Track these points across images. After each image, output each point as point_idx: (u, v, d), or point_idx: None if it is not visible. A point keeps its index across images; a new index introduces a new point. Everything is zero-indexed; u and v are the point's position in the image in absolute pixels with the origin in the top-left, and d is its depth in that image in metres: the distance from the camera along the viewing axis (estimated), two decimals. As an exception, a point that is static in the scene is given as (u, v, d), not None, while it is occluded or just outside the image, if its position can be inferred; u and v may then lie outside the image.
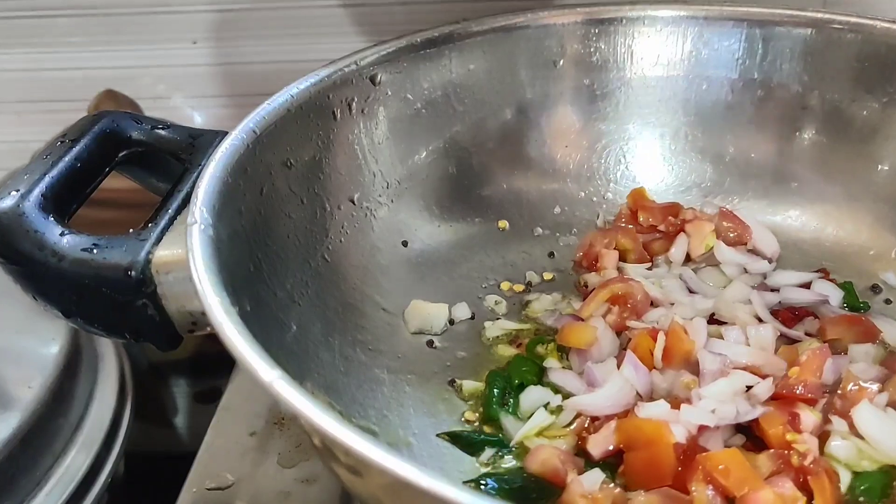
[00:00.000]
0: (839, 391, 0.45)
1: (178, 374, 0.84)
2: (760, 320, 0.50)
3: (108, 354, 0.66)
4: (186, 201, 0.42)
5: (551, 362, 0.49)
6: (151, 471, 0.66)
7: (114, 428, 0.61)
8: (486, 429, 0.46)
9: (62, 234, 0.38)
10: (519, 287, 0.57)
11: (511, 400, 0.47)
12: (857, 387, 0.45)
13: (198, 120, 0.81)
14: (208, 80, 0.78)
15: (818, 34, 0.55)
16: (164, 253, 0.38)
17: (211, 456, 0.54)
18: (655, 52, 0.60)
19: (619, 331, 0.50)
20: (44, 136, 0.72)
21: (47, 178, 0.40)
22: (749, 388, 0.45)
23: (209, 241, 0.36)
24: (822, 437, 0.43)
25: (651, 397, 0.46)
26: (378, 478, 0.28)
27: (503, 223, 0.60)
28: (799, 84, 0.57)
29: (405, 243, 0.56)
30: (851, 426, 0.43)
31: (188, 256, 0.35)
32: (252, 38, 0.76)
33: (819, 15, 0.55)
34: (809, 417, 0.43)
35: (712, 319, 0.51)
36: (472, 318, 0.54)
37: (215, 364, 0.81)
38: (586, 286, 0.55)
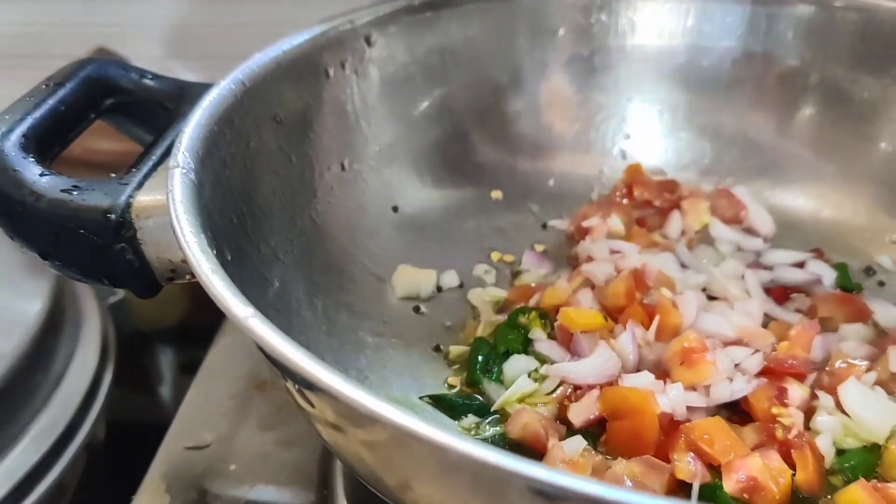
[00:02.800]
0: (827, 367, 0.45)
1: (164, 343, 0.83)
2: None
3: (91, 317, 0.65)
4: (171, 149, 0.41)
5: (537, 333, 0.48)
6: (133, 438, 0.65)
7: (93, 388, 0.60)
8: (467, 391, 0.46)
9: (42, 175, 0.37)
10: (509, 257, 0.56)
11: (495, 367, 0.46)
12: (845, 364, 0.44)
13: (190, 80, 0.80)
14: (202, 41, 0.77)
15: (821, 12, 0.55)
16: (145, 198, 0.37)
17: (190, 416, 0.53)
18: (657, 25, 0.59)
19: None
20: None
21: (29, 119, 0.39)
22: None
23: (190, 185, 0.36)
24: (808, 412, 0.43)
25: (636, 369, 0.45)
26: (360, 423, 0.27)
27: (496, 193, 0.59)
28: (800, 62, 0.56)
29: (395, 209, 0.55)
30: (838, 403, 0.43)
31: (168, 199, 0.34)
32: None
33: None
34: (797, 392, 0.42)
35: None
36: (461, 286, 0.54)
37: (201, 335, 0.80)
38: (577, 259, 0.55)
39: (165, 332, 0.82)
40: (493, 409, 0.44)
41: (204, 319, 0.74)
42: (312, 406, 0.30)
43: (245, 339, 0.58)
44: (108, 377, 0.62)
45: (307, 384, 0.27)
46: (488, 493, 0.25)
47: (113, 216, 0.36)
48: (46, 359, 0.58)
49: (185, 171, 0.36)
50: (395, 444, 0.26)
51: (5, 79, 0.79)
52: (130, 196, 0.37)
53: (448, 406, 0.44)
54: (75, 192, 0.37)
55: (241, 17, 0.76)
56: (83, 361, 0.61)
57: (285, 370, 0.28)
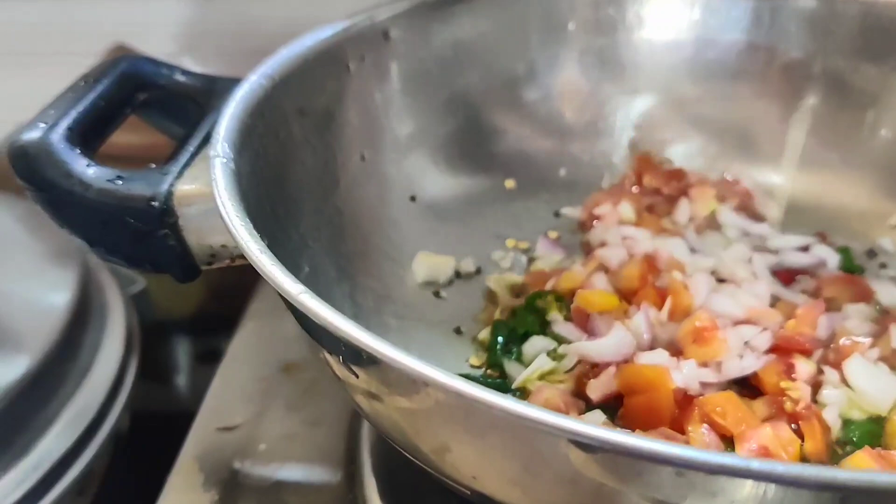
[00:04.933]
0: (832, 345, 0.47)
1: (181, 333, 0.85)
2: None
3: (116, 307, 0.66)
4: (206, 141, 0.43)
5: (554, 315, 0.50)
6: (153, 427, 0.67)
7: (119, 378, 0.62)
8: (490, 373, 0.48)
9: (88, 166, 0.39)
10: (524, 244, 0.58)
11: (514, 348, 0.49)
12: (849, 341, 0.46)
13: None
14: (214, 37, 0.78)
15: (823, 5, 0.57)
16: (185, 187, 0.39)
17: (219, 398, 0.55)
18: (664, 18, 0.61)
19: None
20: (52, 88, 0.73)
21: (73, 113, 0.41)
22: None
23: (231, 174, 0.37)
24: (815, 386, 0.45)
25: (651, 347, 0.47)
26: (406, 390, 0.29)
27: (510, 182, 0.61)
28: (803, 53, 0.58)
29: (413, 198, 0.57)
30: (843, 377, 0.45)
31: (212, 187, 0.36)
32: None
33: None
34: (804, 367, 0.44)
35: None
36: (478, 272, 0.56)
37: (218, 324, 0.82)
38: (590, 245, 0.57)
39: (182, 321, 0.84)
40: (513, 386, 0.46)
41: (220, 308, 0.75)
42: (356, 377, 0.32)
43: (270, 324, 0.60)
44: (133, 367, 0.64)
45: (355, 353, 0.29)
46: (527, 449, 0.27)
47: (156, 204, 0.38)
48: (75, 349, 0.60)
49: (225, 160, 0.38)
50: (441, 409, 0.28)
51: (24, 75, 0.82)
52: (172, 185, 0.39)
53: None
54: (120, 182, 0.39)
55: (252, 14, 0.78)
56: (109, 351, 0.62)
57: (333, 342, 0.30)
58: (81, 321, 0.61)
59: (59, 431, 0.55)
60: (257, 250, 0.32)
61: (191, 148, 0.42)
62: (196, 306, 0.83)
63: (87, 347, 0.61)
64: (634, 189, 0.61)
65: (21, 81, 0.81)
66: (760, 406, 0.43)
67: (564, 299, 0.51)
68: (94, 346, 0.62)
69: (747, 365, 0.44)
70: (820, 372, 0.45)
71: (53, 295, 0.61)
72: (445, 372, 0.26)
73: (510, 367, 0.47)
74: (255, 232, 0.33)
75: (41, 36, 0.78)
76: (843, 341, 0.46)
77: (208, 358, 0.84)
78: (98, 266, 0.68)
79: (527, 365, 0.47)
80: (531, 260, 0.57)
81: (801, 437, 0.41)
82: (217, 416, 0.54)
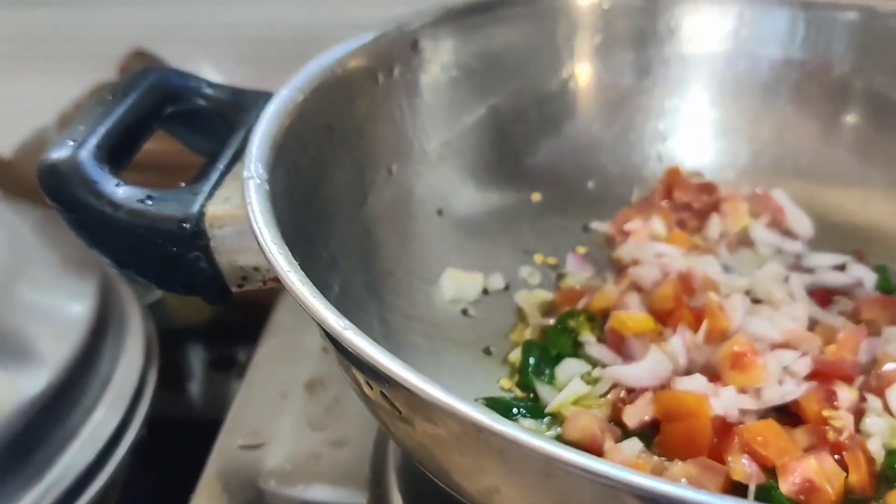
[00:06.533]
0: (874, 371, 0.46)
1: (195, 340, 0.84)
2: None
3: (134, 317, 0.66)
4: (235, 158, 0.42)
5: (587, 336, 0.49)
6: (168, 437, 0.67)
7: (140, 389, 0.61)
8: (521, 394, 0.47)
9: (117, 185, 0.38)
10: (552, 260, 0.57)
11: (547, 370, 0.48)
12: (893, 366, 0.45)
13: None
14: (238, 43, 0.78)
15: (867, 19, 0.55)
16: (216, 207, 0.38)
17: (242, 415, 0.54)
18: (695, 29, 0.60)
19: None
20: (68, 94, 0.73)
21: (101, 130, 0.40)
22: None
23: (265, 196, 0.37)
24: (857, 414, 0.44)
25: (687, 371, 0.46)
26: (450, 426, 0.28)
27: (536, 195, 0.60)
28: (841, 68, 0.57)
29: (440, 212, 0.56)
30: (886, 405, 0.44)
31: (244, 209, 0.36)
32: (285, 1, 0.75)
33: (868, 1, 0.55)
34: (846, 394, 0.43)
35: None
36: (506, 288, 0.55)
37: (232, 331, 0.81)
38: (620, 262, 0.55)
39: (197, 328, 0.83)
40: (547, 410, 0.45)
41: (235, 316, 0.75)
42: (400, 413, 0.31)
43: (292, 338, 0.60)
44: (152, 377, 0.63)
45: (401, 392, 0.28)
46: (578, 494, 0.26)
47: (188, 225, 0.37)
48: (95, 361, 0.59)
49: (258, 182, 0.37)
50: (488, 451, 0.27)
51: (42, 82, 0.81)
52: (203, 206, 0.38)
53: (505, 408, 0.45)
54: (150, 203, 0.38)
55: (272, 20, 0.77)
56: (129, 362, 0.61)
57: (382, 380, 0.29)
58: (101, 332, 0.60)
59: (80, 445, 0.54)
60: (298, 282, 0.31)
61: (220, 166, 0.41)
62: (211, 313, 0.83)
63: (106, 359, 0.60)
64: (664, 203, 0.60)
65: (41, 86, 0.81)
66: (801, 435, 0.42)
67: (596, 319, 0.50)
68: (114, 357, 0.61)
69: (788, 392, 0.43)
70: (862, 399, 0.44)
71: (73, 305, 0.60)
72: (504, 421, 0.25)
73: (542, 389, 0.46)
74: (293, 260, 0.32)
75: (61, 41, 0.78)
76: (886, 367, 0.45)
77: (222, 365, 0.83)
78: (116, 275, 0.67)
79: (559, 388, 0.46)
80: (560, 276, 0.56)
81: (845, 468, 0.40)
82: (240, 434, 0.53)
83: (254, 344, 0.66)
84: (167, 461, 0.64)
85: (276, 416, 0.54)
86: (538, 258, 0.57)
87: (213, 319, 0.82)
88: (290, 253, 0.33)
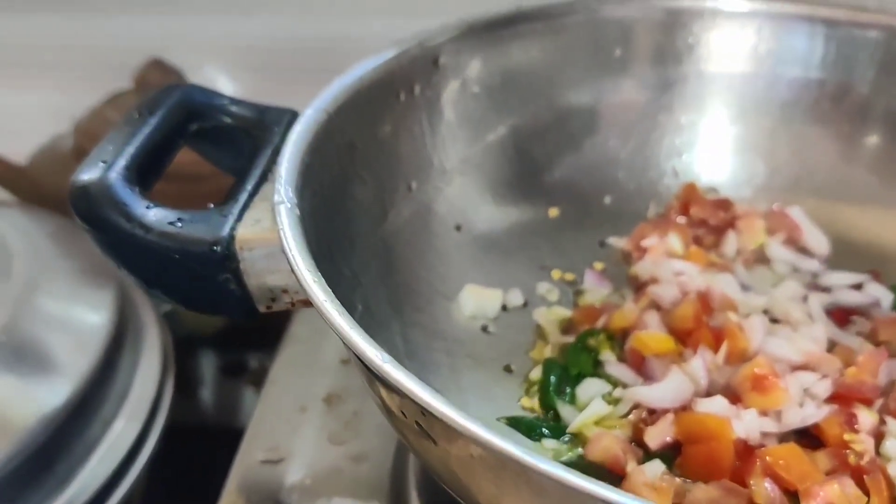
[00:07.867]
0: (892, 393, 0.46)
1: (207, 347, 0.85)
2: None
3: (151, 326, 0.66)
4: (263, 178, 0.43)
5: (607, 355, 0.49)
6: (182, 444, 0.67)
7: (158, 397, 0.61)
8: (542, 414, 0.47)
9: (148, 207, 0.38)
10: (570, 276, 0.57)
11: (568, 389, 0.48)
12: (912, 389, 0.45)
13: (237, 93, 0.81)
14: (254, 54, 0.78)
15: (887, 39, 0.55)
16: (246, 230, 0.39)
17: (261, 429, 0.55)
18: (715, 46, 0.60)
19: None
20: (84, 102, 0.73)
21: (130, 150, 0.40)
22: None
23: (296, 220, 0.37)
24: (877, 437, 0.44)
25: (707, 392, 0.46)
26: (487, 459, 0.29)
27: (553, 211, 0.60)
28: (862, 87, 0.57)
29: (458, 227, 0.56)
30: (906, 429, 0.44)
31: (274, 231, 0.36)
32: (300, 12, 0.76)
33: (891, 21, 0.55)
34: (867, 417, 0.44)
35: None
36: (525, 305, 0.55)
37: (242, 338, 0.81)
38: (637, 279, 0.56)
39: (209, 335, 0.84)
40: (569, 430, 0.45)
41: (244, 324, 0.75)
42: (435, 443, 0.31)
43: (310, 350, 0.60)
44: (170, 387, 0.63)
45: (444, 427, 0.28)
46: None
47: (218, 248, 0.38)
48: (113, 372, 0.59)
49: (289, 206, 0.37)
50: (514, 478, 0.28)
51: (56, 90, 0.81)
52: (233, 228, 0.38)
53: (527, 428, 0.45)
54: (180, 225, 0.38)
55: (289, 32, 0.77)
56: (147, 372, 0.62)
57: (419, 411, 0.29)
58: (119, 342, 0.60)
59: (100, 457, 0.55)
60: (336, 314, 0.31)
61: (248, 187, 0.41)
62: (221, 321, 0.83)
63: (124, 370, 0.61)
64: (680, 219, 0.60)
65: (56, 94, 0.81)
66: (822, 458, 0.42)
67: (616, 338, 0.50)
68: (132, 367, 0.61)
69: (809, 415, 0.44)
70: (882, 422, 0.44)
71: (91, 316, 0.60)
72: (541, 458, 0.26)
73: (563, 409, 0.47)
74: (328, 289, 0.33)
75: (76, 49, 0.78)
76: (905, 390, 0.45)
77: (233, 371, 0.83)
78: (132, 284, 0.67)
79: (580, 408, 0.46)
80: (577, 293, 0.56)
81: (867, 492, 0.41)
82: (260, 448, 0.53)
83: (264, 350, 0.67)
84: (183, 467, 0.64)
85: (295, 431, 0.54)
86: (556, 274, 0.57)
87: (223, 326, 0.82)
88: (324, 280, 0.33)
